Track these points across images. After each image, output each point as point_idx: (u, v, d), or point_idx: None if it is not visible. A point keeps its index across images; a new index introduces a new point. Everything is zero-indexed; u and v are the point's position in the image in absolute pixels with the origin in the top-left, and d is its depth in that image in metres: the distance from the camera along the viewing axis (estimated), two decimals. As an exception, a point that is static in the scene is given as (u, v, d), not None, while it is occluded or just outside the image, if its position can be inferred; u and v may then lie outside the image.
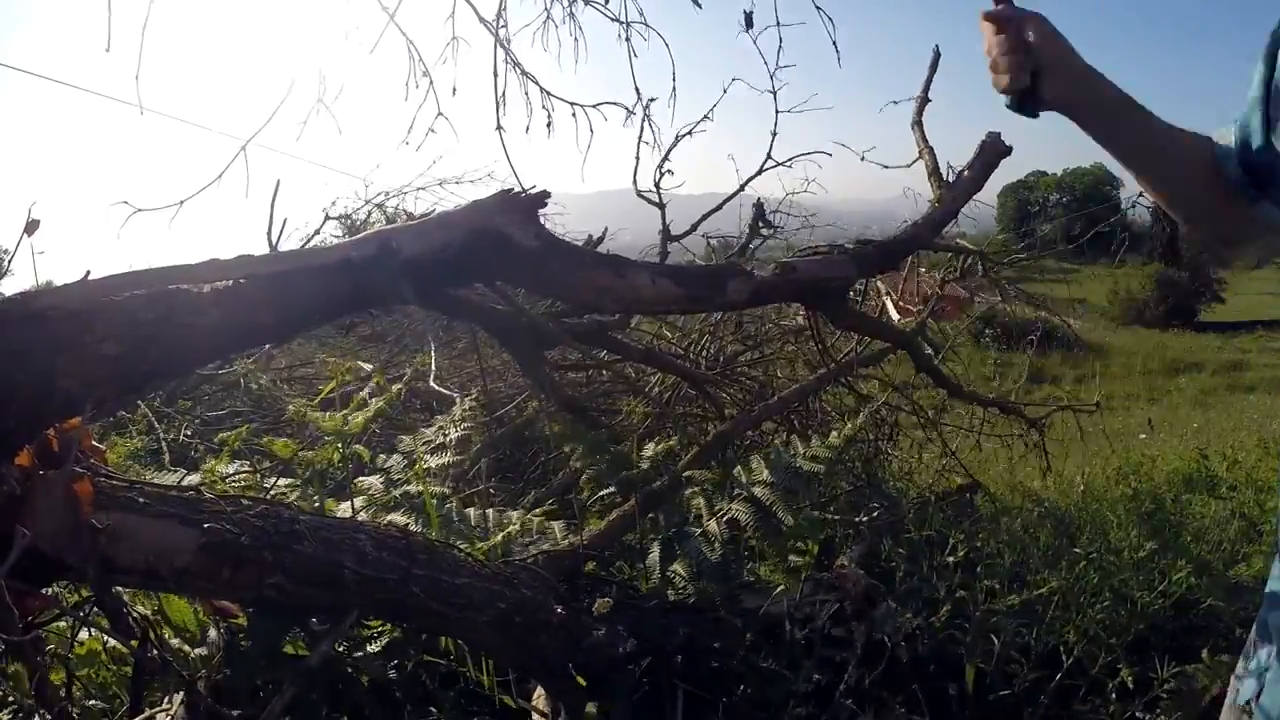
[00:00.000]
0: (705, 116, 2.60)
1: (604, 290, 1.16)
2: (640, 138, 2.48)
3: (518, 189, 1.06)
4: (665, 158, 2.59)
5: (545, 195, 1.06)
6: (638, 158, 2.53)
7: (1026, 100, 0.97)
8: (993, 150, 1.71)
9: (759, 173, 2.75)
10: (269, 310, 0.92)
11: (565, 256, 1.13)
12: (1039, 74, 0.95)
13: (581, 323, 2.11)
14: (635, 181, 2.60)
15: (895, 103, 2.34)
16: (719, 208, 2.95)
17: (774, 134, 2.61)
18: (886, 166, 2.56)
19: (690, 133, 2.60)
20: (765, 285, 1.31)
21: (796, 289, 1.41)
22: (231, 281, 0.87)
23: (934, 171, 1.88)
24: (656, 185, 2.64)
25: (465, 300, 1.37)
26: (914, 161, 2.03)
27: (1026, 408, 3.30)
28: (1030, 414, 3.26)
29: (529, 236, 1.05)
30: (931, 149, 2.00)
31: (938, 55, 2.16)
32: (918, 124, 2.10)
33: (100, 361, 0.80)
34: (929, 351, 2.90)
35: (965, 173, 1.70)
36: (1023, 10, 0.97)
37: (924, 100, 2.14)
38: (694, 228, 2.86)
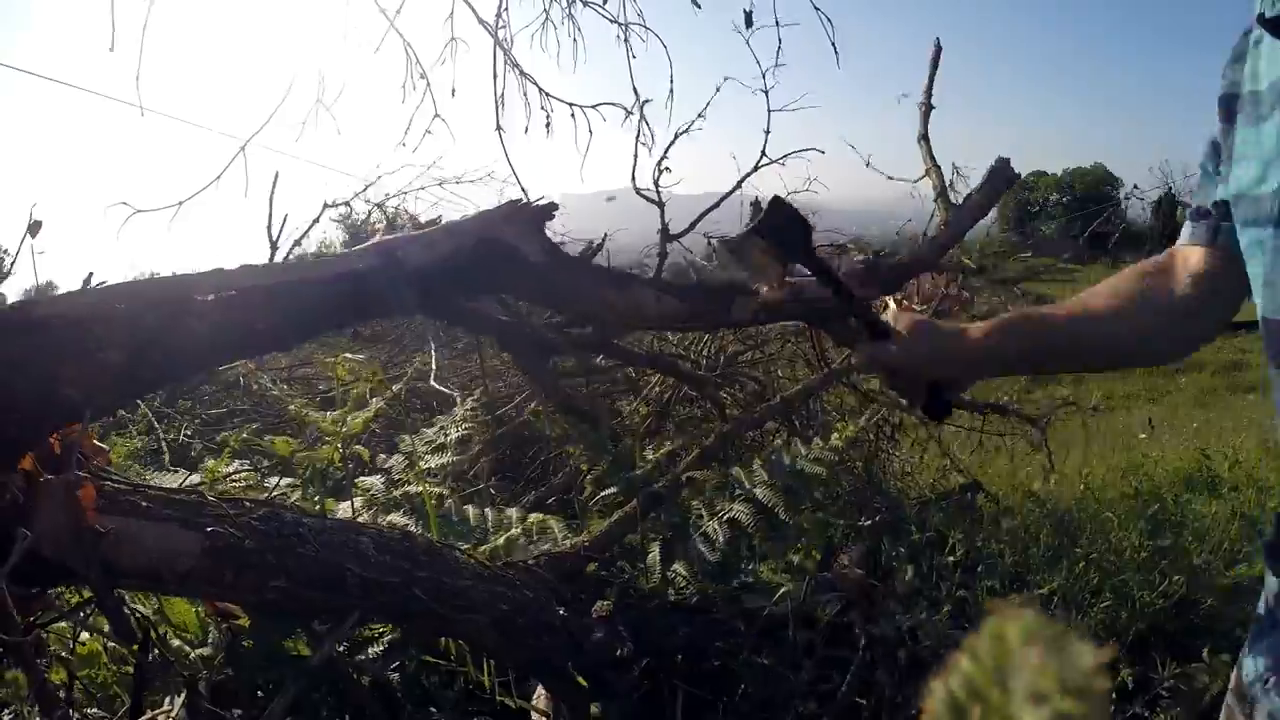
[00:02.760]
0: (700, 115, 2.60)
1: (608, 306, 1.16)
2: (638, 138, 2.48)
3: (525, 199, 1.06)
4: (664, 156, 2.58)
5: (553, 207, 1.06)
6: (635, 156, 2.52)
7: (938, 405, 0.99)
8: (1001, 176, 1.67)
9: (754, 170, 2.74)
10: (271, 319, 0.92)
11: (571, 271, 1.13)
12: (936, 386, 0.98)
13: (585, 332, 2.10)
14: (634, 179, 2.60)
15: (905, 95, 2.17)
16: (716, 205, 2.95)
17: (767, 132, 2.60)
18: (891, 178, 2.52)
19: (687, 131, 2.60)
20: (769, 305, 1.30)
21: (801, 310, 1.40)
22: (235, 291, 0.87)
23: (942, 193, 1.79)
24: (655, 183, 2.64)
25: (471, 310, 1.37)
26: (920, 178, 1.92)
27: (1023, 410, 3.30)
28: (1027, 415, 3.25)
29: (536, 250, 1.05)
30: (939, 167, 1.88)
31: (939, 49, 1.96)
32: (924, 138, 1.96)
33: (102, 369, 0.80)
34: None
35: (973, 196, 1.66)
36: (889, 346, 0.93)
37: (928, 107, 1.97)
38: (692, 226, 2.86)
